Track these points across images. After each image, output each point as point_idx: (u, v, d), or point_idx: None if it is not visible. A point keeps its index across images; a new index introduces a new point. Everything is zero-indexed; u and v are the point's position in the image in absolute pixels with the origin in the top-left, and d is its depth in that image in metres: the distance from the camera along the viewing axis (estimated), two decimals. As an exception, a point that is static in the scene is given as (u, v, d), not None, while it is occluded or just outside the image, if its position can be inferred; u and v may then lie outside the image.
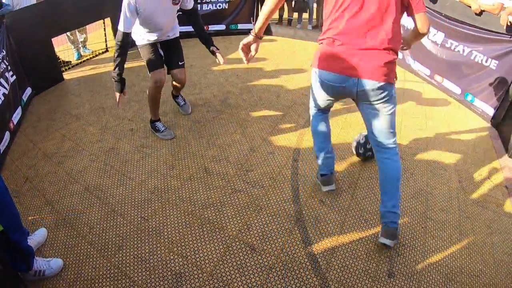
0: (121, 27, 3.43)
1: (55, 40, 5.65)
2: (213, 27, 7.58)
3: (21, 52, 4.88)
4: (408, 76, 6.09)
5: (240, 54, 2.84)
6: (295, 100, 4.94)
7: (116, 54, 3.52)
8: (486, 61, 4.77)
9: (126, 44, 3.52)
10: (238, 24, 7.71)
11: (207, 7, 7.33)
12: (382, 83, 2.52)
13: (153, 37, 3.91)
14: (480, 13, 4.79)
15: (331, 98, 2.96)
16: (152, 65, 3.90)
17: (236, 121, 4.42)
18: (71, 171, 3.59)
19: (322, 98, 3.01)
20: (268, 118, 4.50)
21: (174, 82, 4.28)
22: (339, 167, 3.68)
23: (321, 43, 2.74)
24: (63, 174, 3.56)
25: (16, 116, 4.38)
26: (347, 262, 2.71)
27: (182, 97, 4.69)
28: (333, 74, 2.67)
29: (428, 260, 2.78)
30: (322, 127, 3.24)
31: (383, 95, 2.59)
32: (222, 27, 7.64)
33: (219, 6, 7.41)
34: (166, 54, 4.09)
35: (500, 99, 4.66)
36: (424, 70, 5.91)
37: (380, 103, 2.65)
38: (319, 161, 3.23)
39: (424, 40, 5.72)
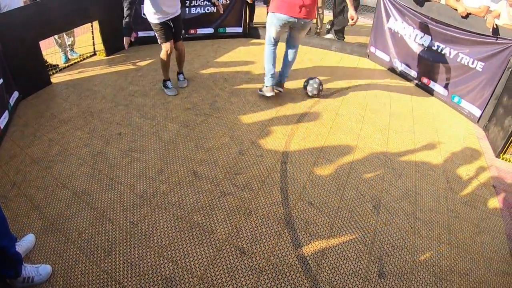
0: None
1: (43, 43, 5.60)
2: (201, 31, 7.60)
3: (8, 55, 4.82)
4: (395, 79, 6.20)
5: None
6: (283, 104, 4.98)
7: (127, 10, 4.52)
8: (472, 63, 4.90)
9: (134, 3, 4.50)
10: (226, 28, 7.73)
11: (195, 10, 7.34)
12: (309, 20, 4.56)
13: (164, 14, 4.75)
14: (466, 16, 4.92)
15: (280, 30, 4.69)
16: (164, 37, 4.86)
17: (225, 125, 4.44)
18: (59, 176, 3.57)
19: (276, 32, 4.72)
20: (256, 121, 4.53)
21: (176, 56, 5.32)
22: (328, 170, 3.72)
23: None
24: (51, 179, 3.53)
25: (2, 120, 4.32)
26: (337, 264, 2.75)
27: (183, 75, 5.64)
28: (286, 15, 4.48)
29: (418, 260, 2.84)
30: (272, 55, 4.89)
31: (308, 25, 4.67)
32: (210, 30, 7.65)
33: (207, 9, 7.42)
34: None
35: (487, 100, 4.79)
36: (411, 72, 6.03)
37: (304, 29, 4.72)
38: (266, 79, 4.95)
39: (410, 43, 5.85)
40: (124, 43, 4.64)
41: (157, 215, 3.08)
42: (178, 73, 5.64)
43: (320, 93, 5.25)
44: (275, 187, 3.43)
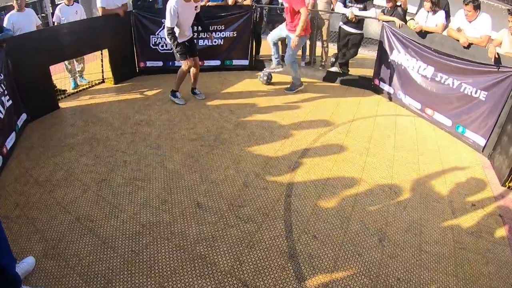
0: (168, 24, 5.42)
1: (53, 68, 5.71)
2: (208, 63, 7.69)
3: (19, 77, 4.92)
4: (399, 110, 6.23)
5: None
6: (288, 136, 5.00)
7: (172, 39, 5.50)
8: (475, 93, 4.93)
9: (174, 32, 5.48)
10: (233, 60, 7.84)
11: (203, 42, 7.46)
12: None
13: (183, 37, 5.73)
14: (468, 46, 4.99)
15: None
16: (185, 54, 5.70)
17: (230, 156, 4.45)
18: (62, 200, 3.57)
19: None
20: (261, 154, 4.54)
21: (192, 71, 6.13)
22: (332, 202, 3.70)
23: None
24: (54, 203, 3.54)
25: (9, 141, 4.38)
26: (341, 299, 2.71)
27: (198, 90, 6.42)
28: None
29: (424, 294, 2.78)
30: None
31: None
32: (217, 62, 7.75)
33: (215, 42, 7.54)
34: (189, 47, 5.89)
35: (491, 129, 4.79)
36: (415, 104, 6.06)
37: None
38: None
39: (414, 75, 5.93)
40: (186, 66, 5.77)
41: (159, 245, 3.07)
42: (193, 89, 6.40)
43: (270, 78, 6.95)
44: (279, 220, 3.42)
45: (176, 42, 5.51)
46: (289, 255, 3.04)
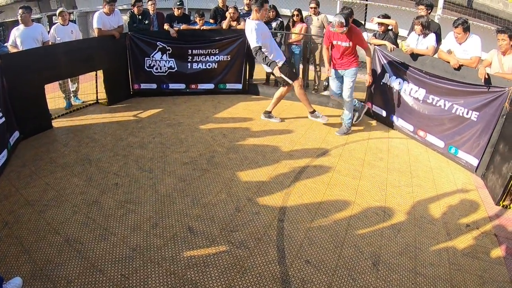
0: (255, 44, 5.69)
1: (47, 87, 5.71)
2: (201, 86, 7.77)
3: (13, 95, 4.93)
4: (392, 133, 6.28)
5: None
6: (280, 160, 4.99)
7: (261, 55, 5.76)
8: (467, 113, 5.00)
9: (260, 48, 5.74)
10: (226, 84, 7.91)
11: (197, 66, 7.53)
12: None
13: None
14: (459, 67, 5.06)
15: None
16: (293, 75, 6.17)
17: (222, 181, 4.42)
18: (52, 221, 3.53)
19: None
20: (253, 178, 4.52)
21: (281, 93, 6.46)
22: (326, 227, 3.67)
23: None
24: (44, 223, 3.50)
25: (1, 159, 4.37)
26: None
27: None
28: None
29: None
30: None
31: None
32: (211, 86, 7.82)
33: (209, 65, 7.62)
34: None
35: (483, 149, 4.84)
36: (407, 126, 6.10)
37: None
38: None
39: (406, 97, 6.00)
40: (278, 73, 5.87)
41: (149, 270, 3.02)
42: (269, 112, 6.59)
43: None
44: (271, 245, 3.37)
45: (267, 59, 5.79)
46: (282, 280, 2.99)
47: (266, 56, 5.78)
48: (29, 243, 3.23)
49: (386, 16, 6.76)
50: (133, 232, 3.45)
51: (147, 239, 3.36)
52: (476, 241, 3.62)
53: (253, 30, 5.64)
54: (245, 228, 3.59)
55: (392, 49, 6.24)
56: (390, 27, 6.68)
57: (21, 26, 6.05)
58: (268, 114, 6.50)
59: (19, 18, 5.98)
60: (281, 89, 6.36)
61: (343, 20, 5.36)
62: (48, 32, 6.66)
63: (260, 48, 5.69)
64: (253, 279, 2.99)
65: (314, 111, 6.33)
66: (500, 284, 3.11)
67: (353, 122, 6.39)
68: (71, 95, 6.96)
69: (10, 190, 4.00)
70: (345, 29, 5.46)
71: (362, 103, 6.53)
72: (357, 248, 3.41)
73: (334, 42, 5.86)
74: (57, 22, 6.70)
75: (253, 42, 5.72)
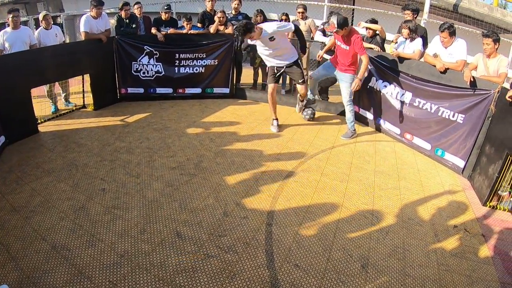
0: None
1: (33, 91, 5.68)
2: (189, 90, 7.76)
3: (-1, 99, 4.87)
4: (378, 136, 6.34)
5: None
6: (268, 164, 4.99)
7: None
8: (453, 116, 5.07)
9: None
10: (214, 88, 7.90)
11: (184, 70, 7.51)
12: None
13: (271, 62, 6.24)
14: (445, 71, 5.14)
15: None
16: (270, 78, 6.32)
17: (210, 185, 4.40)
18: (38, 227, 3.49)
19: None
20: (241, 182, 4.51)
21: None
22: (314, 230, 3.68)
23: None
24: (30, 230, 3.45)
25: (-13, 164, 4.31)
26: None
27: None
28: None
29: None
30: None
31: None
32: (198, 90, 7.80)
33: (196, 70, 7.62)
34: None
35: (469, 151, 4.91)
36: (394, 129, 6.16)
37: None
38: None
39: (393, 101, 6.06)
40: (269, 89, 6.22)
41: (137, 276, 2.99)
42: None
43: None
44: (260, 249, 3.37)
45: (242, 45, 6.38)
46: (271, 285, 2.98)
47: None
48: (15, 250, 3.18)
49: (374, 21, 6.82)
50: (121, 238, 3.41)
51: (135, 245, 3.33)
52: (464, 242, 3.66)
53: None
54: (233, 232, 3.57)
55: (378, 50, 6.32)
56: (377, 32, 6.74)
57: (8, 29, 6.00)
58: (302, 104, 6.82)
59: (10, 21, 5.93)
60: (297, 89, 6.55)
61: (335, 21, 5.49)
62: (33, 35, 6.63)
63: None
64: (242, 283, 2.98)
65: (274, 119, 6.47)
66: (489, 283, 3.15)
67: (306, 118, 6.80)
68: (57, 99, 6.90)
69: (-5, 196, 3.95)
70: (337, 29, 5.56)
71: (314, 97, 6.87)
72: (345, 251, 3.42)
73: (337, 42, 6.00)
74: (41, 27, 6.65)
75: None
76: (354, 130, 6.23)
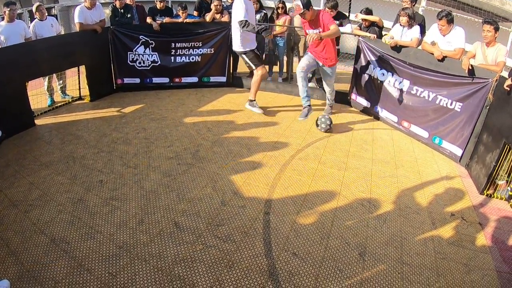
0: (243, 17, 5.75)
1: (30, 84, 5.66)
2: (185, 79, 7.73)
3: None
4: (376, 124, 6.34)
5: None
6: (265, 153, 5.00)
7: (247, 24, 5.76)
8: (451, 104, 5.07)
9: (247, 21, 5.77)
10: (210, 77, 7.87)
11: (180, 59, 7.47)
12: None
13: (252, 45, 6.23)
14: (443, 59, 5.11)
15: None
16: (259, 61, 6.35)
17: (207, 175, 4.41)
18: (37, 221, 3.49)
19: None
20: (239, 171, 4.51)
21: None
22: (312, 219, 3.69)
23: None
24: (29, 223, 3.45)
25: (-15, 159, 4.30)
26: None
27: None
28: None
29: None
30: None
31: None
32: (194, 79, 7.77)
33: (192, 58, 7.58)
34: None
35: (467, 139, 4.92)
36: (391, 117, 6.16)
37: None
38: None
39: (390, 88, 6.05)
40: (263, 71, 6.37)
41: (136, 267, 3.01)
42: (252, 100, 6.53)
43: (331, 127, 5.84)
44: (258, 238, 3.38)
45: (250, 26, 5.79)
46: (269, 273, 3.01)
47: (254, 26, 5.86)
48: (15, 245, 3.18)
49: (369, 11, 6.79)
50: (119, 229, 3.43)
51: (133, 236, 3.35)
52: (461, 230, 3.68)
53: (242, 4, 5.74)
54: (231, 222, 3.59)
55: (373, 38, 6.29)
56: (375, 22, 6.72)
57: (3, 23, 5.96)
58: (252, 102, 6.47)
59: (7, 14, 5.89)
60: (254, 76, 6.42)
61: (300, 2, 5.33)
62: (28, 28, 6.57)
63: (247, 21, 5.76)
64: (241, 273, 3.00)
65: (253, 100, 6.47)
66: (485, 272, 3.17)
67: (323, 130, 5.90)
68: (59, 92, 6.88)
69: (-6, 191, 3.95)
70: (304, 11, 5.35)
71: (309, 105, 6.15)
72: (343, 239, 3.44)
73: (307, 31, 5.73)
74: (35, 18, 6.60)
75: (240, 16, 5.78)
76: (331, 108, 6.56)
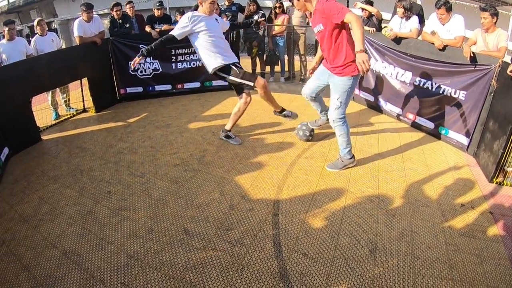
0: (174, 32, 4.82)
1: (36, 99, 5.71)
2: (187, 85, 7.75)
3: (-1, 110, 4.88)
4: (381, 118, 6.32)
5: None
6: (271, 154, 5.00)
7: (157, 42, 4.81)
8: (454, 93, 5.04)
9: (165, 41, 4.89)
10: (212, 81, 7.86)
11: (182, 65, 7.51)
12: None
13: (226, 59, 4.93)
14: (444, 48, 5.09)
15: None
16: (252, 77, 4.98)
17: (214, 179, 4.41)
18: (48, 235, 3.51)
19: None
20: (245, 174, 4.51)
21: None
22: (321, 218, 3.68)
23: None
24: (40, 238, 3.47)
25: (-7, 177, 4.34)
26: (334, 317, 2.68)
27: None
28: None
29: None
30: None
31: None
32: (197, 84, 7.79)
33: (193, 64, 7.60)
34: None
35: (473, 127, 4.89)
36: (396, 110, 6.14)
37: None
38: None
39: (393, 81, 6.04)
40: (134, 61, 4.76)
41: (148, 275, 3.02)
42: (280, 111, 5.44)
43: (312, 135, 5.39)
44: (267, 240, 3.38)
45: (152, 45, 4.77)
46: (280, 275, 3.00)
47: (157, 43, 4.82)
48: (27, 260, 3.20)
49: (369, 2, 6.78)
50: (130, 239, 3.44)
51: (144, 245, 3.36)
52: (472, 220, 3.65)
53: (193, 20, 4.72)
54: (240, 225, 3.59)
55: (372, 32, 6.28)
56: (373, 13, 6.71)
57: (4, 41, 6.03)
58: (227, 133, 5.43)
59: (6, 33, 5.96)
60: (238, 104, 5.27)
61: None
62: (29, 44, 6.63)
63: (173, 36, 4.80)
64: (252, 276, 3.00)
65: (283, 110, 5.40)
66: (498, 261, 3.13)
67: (303, 138, 5.39)
68: (58, 106, 6.93)
69: (4, 208, 3.97)
70: (295, 2, 4.12)
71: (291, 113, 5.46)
72: (353, 236, 3.42)
73: (314, 29, 4.26)
74: (37, 33, 6.66)
75: (173, 31, 4.83)
76: (351, 158, 4.61)
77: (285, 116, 5.43)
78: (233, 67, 4.92)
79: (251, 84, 4.87)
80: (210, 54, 4.85)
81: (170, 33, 4.84)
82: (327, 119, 4.63)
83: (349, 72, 4.08)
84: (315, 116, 5.43)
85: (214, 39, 4.83)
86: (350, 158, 4.58)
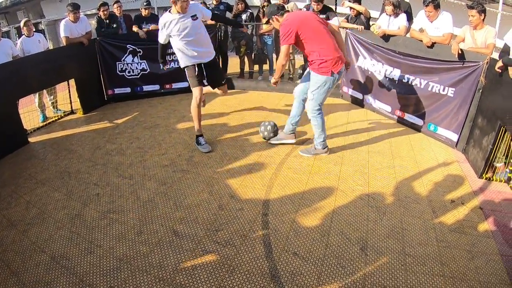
0: (159, 39, 5.02)
1: (21, 102, 5.63)
2: (176, 85, 7.74)
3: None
4: (370, 116, 6.34)
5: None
6: (260, 153, 4.98)
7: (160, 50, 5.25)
8: (443, 90, 5.07)
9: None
10: (202, 81, 7.80)
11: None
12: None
13: (192, 60, 5.07)
14: (432, 45, 5.11)
15: None
16: (194, 82, 5.11)
17: (203, 180, 4.39)
18: (36, 239, 3.46)
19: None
20: (234, 174, 4.49)
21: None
22: (311, 217, 3.67)
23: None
24: (29, 243, 3.42)
25: (-19, 181, 4.28)
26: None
27: None
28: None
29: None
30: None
31: None
32: (185, 84, 7.65)
33: (181, 64, 7.54)
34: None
35: (462, 124, 4.92)
36: (385, 107, 6.16)
37: None
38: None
39: (381, 79, 6.06)
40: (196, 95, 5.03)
41: (138, 278, 2.98)
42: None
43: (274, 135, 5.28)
44: (257, 240, 3.36)
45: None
46: (271, 275, 2.98)
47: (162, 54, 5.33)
48: (16, 265, 3.16)
49: (357, 0, 6.79)
50: (119, 242, 3.40)
51: (133, 248, 3.32)
52: (462, 216, 3.66)
53: (165, 25, 4.80)
54: (229, 226, 3.57)
55: (360, 30, 6.29)
56: (361, 12, 6.72)
57: None
58: (197, 138, 5.26)
59: None
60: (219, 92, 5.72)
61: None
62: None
63: (160, 43, 5.05)
64: (242, 277, 2.97)
65: (201, 135, 5.25)
66: (489, 257, 3.14)
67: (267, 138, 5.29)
68: (51, 107, 6.87)
69: (-9, 213, 3.93)
70: (265, 20, 4.70)
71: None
72: (343, 235, 3.42)
73: None
74: (23, 34, 6.59)
75: (159, 38, 4.99)
76: (324, 148, 4.86)
77: (197, 143, 5.21)
78: (193, 68, 5.09)
79: (191, 88, 5.14)
80: (182, 57, 5.05)
81: (158, 40, 5.04)
82: (290, 132, 5.16)
83: (320, 71, 4.45)
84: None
85: (185, 42, 4.87)
86: (323, 148, 4.86)
